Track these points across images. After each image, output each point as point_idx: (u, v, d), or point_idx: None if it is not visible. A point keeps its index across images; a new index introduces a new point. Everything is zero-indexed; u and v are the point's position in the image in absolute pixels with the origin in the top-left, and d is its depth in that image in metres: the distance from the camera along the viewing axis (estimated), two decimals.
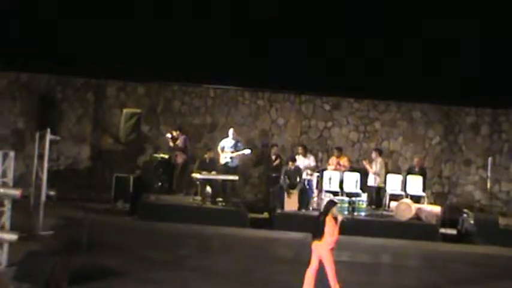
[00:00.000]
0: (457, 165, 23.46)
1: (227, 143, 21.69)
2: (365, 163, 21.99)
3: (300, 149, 22.13)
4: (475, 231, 20.24)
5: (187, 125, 23.30)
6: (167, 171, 21.95)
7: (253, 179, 23.35)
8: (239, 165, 21.88)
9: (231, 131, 21.79)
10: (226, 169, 21.27)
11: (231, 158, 21.42)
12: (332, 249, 12.91)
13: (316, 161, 22.13)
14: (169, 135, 21.99)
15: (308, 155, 22.11)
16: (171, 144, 21.87)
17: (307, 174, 21.31)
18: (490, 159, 22.38)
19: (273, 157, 22.27)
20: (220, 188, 20.87)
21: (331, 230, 12.73)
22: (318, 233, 12.85)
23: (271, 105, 23.80)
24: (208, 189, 20.68)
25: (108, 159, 22.90)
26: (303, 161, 21.75)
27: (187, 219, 19.50)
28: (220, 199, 20.70)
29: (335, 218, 12.81)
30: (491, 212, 22.43)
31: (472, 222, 20.39)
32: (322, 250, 12.94)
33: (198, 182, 20.68)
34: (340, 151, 22.48)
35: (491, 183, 22.34)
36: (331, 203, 13.03)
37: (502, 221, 20.58)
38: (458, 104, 23.32)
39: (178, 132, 22.14)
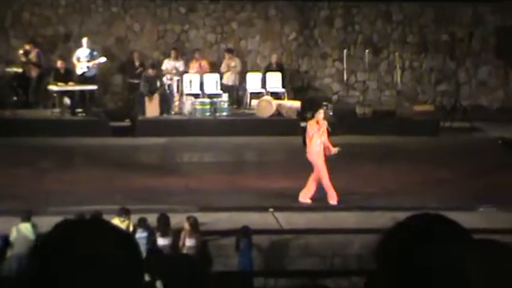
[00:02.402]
0: (314, 59, 23.75)
1: (82, 52, 21.18)
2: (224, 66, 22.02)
3: (172, 53, 21.91)
4: (335, 121, 20.69)
5: (39, 37, 22.58)
6: (22, 85, 21.28)
7: (113, 87, 22.97)
8: (97, 74, 21.47)
9: (84, 40, 21.28)
10: (84, 79, 20.85)
11: (87, 67, 20.99)
12: (323, 153, 13.21)
13: (185, 65, 22.00)
14: (21, 51, 21.27)
15: (179, 58, 21.97)
16: (23, 59, 21.18)
17: (167, 79, 21.17)
18: (345, 51, 22.78)
19: (137, 63, 21.90)
20: (79, 98, 20.53)
21: (309, 135, 13.05)
22: (303, 141, 13.19)
23: (125, 11, 23.29)
24: (67, 100, 20.29)
25: None
26: (172, 65, 21.59)
27: (47, 133, 19.06)
28: (80, 110, 20.37)
29: (316, 124, 13.08)
30: (349, 103, 22.96)
31: (331, 113, 20.81)
32: (309, 156, 13.27)
33: (55, 94, 20.24)
34: (200, 53, 22.36)
35: (347, 74, 22.81)
36: (318, 107, 13.38)
37: (359, 110, 21.13)
38: None
39: (31, 45, 21.46)
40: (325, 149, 13.65)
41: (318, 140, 13.49)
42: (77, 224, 2.12)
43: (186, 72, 21.75)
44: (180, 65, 21.79)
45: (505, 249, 2.45)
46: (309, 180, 13.81)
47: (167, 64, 21.64)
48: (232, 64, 21.99)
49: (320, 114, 13.62)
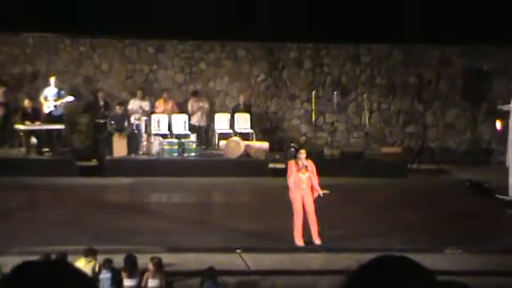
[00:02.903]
0: (282, 101, 23.83)
1: (50, 91, 21.08)
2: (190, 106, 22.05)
3: (138, 92, 21.93)
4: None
5: (6, 75, 22.45)
6: None
7: (80, 127, 22.84)
8: (64, 113, 21.36)
9: (52, 80, 21.19)
10: (51, 118, 20.73)
11: (55, 106, 20.87)
12: (310, 193, 13.43)
13: (151, 105, 22.01)
14: None
15: (145, 98, 21.97)
16: None
17: (135, 118, 21.12)
18: (313, 92, 22.88)
19: (101, 103, 21.85)
20: (45, 137, 20.39)
21: (288, 174, 13.33)
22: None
23: (93, 50, 23.26)
24: (33, 139, 20.15)
25: None
26: (138, 105, 21.55)
27: (13, 172, 18.82)
28: (47, 149, 20.23)
29: (295, 163, 13.32)
30: (317, 144, 23.01)
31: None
32: (290, 194, 13.45)
33: (21, 134, 20.10)
34: (168, 93, 22.36)
35: (315, 115, 22.89)
36: (299, 147, 13.78)
37: (327, 151, 21.19)
38: (281, 40, 23.58)
39: None
40: (312, 190, 13.62)
41: (296, 179, 13.46)
42: (36, 266, 2.07)
43: (153, 112, 21.72)
44: (146, 104, 21.77)
45: None
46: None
47: (133, 104, 21.60)
48: (201, 104, 22.03)
49: (302, 154, 13.65)
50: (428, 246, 13.73)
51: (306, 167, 13.48)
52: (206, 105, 22.21)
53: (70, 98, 21.03)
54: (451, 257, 13.44)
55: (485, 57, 24.00)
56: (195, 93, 22.39)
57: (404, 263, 2.16)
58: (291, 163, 13.76)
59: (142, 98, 21.86)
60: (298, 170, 13.45)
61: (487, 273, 12.30)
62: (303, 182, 13.49)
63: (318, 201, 13.60)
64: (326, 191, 13.69)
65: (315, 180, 13.66)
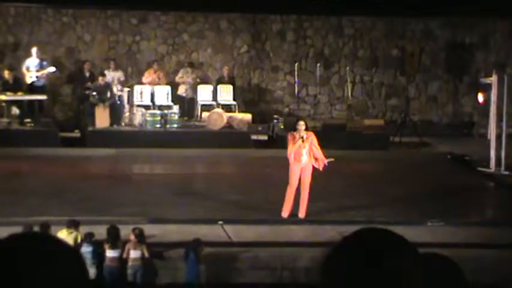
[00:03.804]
0: (265, 73, 23.80)
1: (32, 62, 20.96)
2: (179, 78, 21.98)
3: (111, 64, 21.82)
4: (285, 135, 20.69)
5: None
6: None
7: (62, 97, 22.74)
8: (46, 84, 21.25)
9: (34, 50, 21.05)
10: (33, 89, 20.63)
11: (37, 77, 20.75)
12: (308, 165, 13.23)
13: (126, 76, 21.94)
14: None
15: (118, 69, 21.86)
16: None
17: (117, 89, 21.03)
18: (296, 64, 22.87)
19: (87, 74, 21.72)
20: (27, 108, 20.30)
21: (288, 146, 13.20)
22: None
23: (76, 21, 23.10)
24: (16, 110, 20.06)
25: None
26: (112, 76, 21.45)
27: None
28: (29, 120, 20.15)
29: (292, 135, 13.16)
30: (300, 116, 23.00)
31: (282, 127, 20.85)
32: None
33: (3, 104, 20.00)
34: (158, 64, 22.29)
35: (298, 87, 22.90)
36: (297, 118, 13.79)
37: (310, 123, 21.16)
38: (263, 12, 23.50)
39: None
40: (316, 162, 13.40)
41: (295, 151, 13.25)
42: (21, 239, 2.04)
43: (140, 82, 21.68)
44: (120, 75, 21.67)
45: (447, 263, 2.47)
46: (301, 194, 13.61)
47: (108, 76, 21.43)
48: (194, 76, 22.00)
49: (300, 126, 13.27)
50: (411, 218, 13.79)
51: (302, 138, 13.20)
52: (197, 78, 22.23)
53: (52, 69, 20.94)
54: (432, 229, 13.53)
55: (468, 29, 24.04)
56: (191, 65, 22.34)
57: (387, 235, 2.16)
58: (289, 135, 13.58)
59: (115, 69, 21.75)
60: (295, 141, 13.24)
61: (469, 246, 12.39)
62: (302, 155, 13.29)
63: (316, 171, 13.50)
64: (331, 159, 13.59)
65: (317, 151, 13.41)
